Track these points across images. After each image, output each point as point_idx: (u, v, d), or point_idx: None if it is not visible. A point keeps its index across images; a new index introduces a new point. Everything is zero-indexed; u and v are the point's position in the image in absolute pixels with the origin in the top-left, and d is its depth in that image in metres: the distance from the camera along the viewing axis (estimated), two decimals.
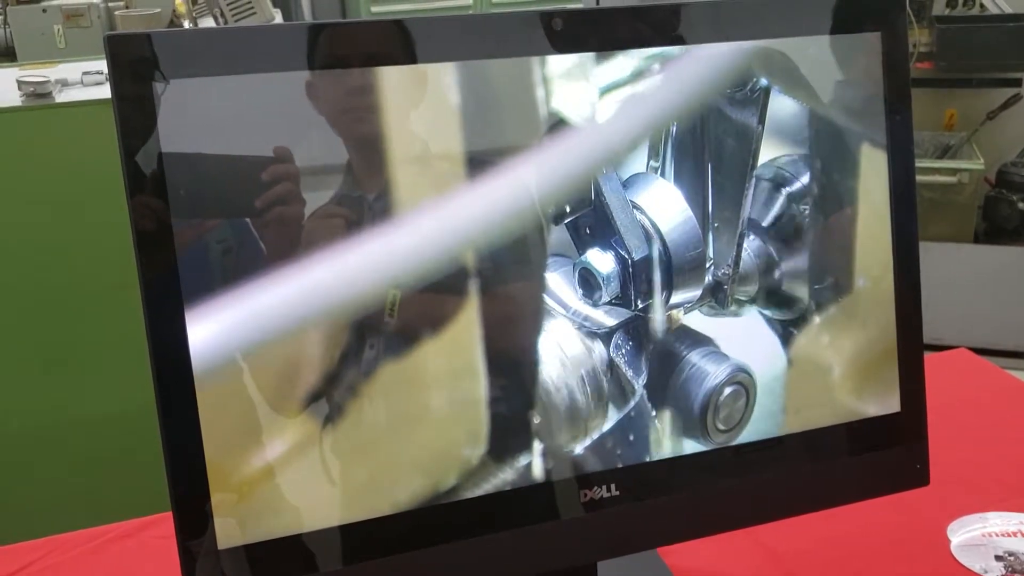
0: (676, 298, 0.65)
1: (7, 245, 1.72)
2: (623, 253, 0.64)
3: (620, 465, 0.65)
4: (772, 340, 0.69)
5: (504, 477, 0.62)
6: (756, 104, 0.65)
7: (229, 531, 0.57)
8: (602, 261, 0.64)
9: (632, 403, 0.65)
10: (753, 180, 0.66)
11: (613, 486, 0.64)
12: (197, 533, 0.56)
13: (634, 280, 0.64)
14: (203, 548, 0.56)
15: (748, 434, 0.68)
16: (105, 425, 1.80)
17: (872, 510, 0.74)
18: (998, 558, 0.79)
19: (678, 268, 0.65)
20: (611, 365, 0.65)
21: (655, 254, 0.64)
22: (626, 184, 0.64)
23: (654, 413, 0.66)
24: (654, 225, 0.64)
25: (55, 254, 1.75)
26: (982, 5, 2.73)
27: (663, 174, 0.65)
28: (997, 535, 0.82)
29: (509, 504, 0.63)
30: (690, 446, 0.67)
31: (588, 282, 0.64)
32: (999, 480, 0.90)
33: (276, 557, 0.58)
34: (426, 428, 0.61)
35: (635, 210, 0.64)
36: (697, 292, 0.66)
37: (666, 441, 0.66)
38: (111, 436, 1.80)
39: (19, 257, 1.74)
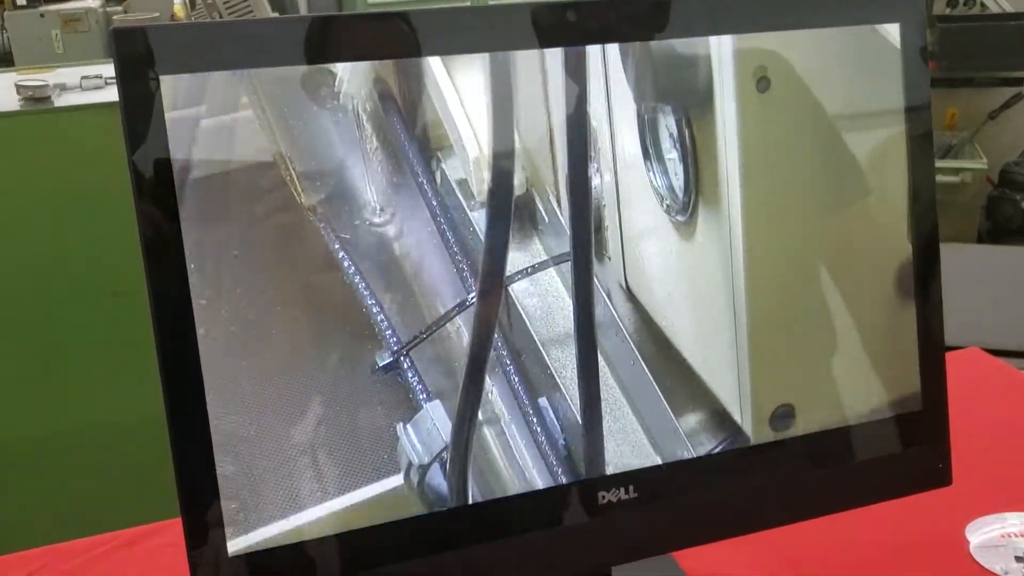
0: None
1: (5, 250, 1.71)
2: None
3: (639, 466, 0.64)
4: None
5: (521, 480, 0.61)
6: None
7: (239, 538, 0.56)
8: None
9: None
10: None
11: (631, 487, 0.63)
12: (206, 541, 0.55)
13: None
14: (212, 556, 0.55)
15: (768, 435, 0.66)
16: (104, 432, 1.78)
17: (888, 512, 0.72)
18: (1018, 559, 0.78)
19: None
20: None
21: None
22: None
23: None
24: None
25: (54, 259, 1.73)
26: (983, 4, 2.73)
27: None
28: (1016, 535, 0.80)
29: (526, 507, 0.61)
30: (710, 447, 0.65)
31: None
32: (1017, 480, 0.88)
33: (286, 565, 0.57)
34: None
35: None
36: None
37: (687, 442, 0.65)
38: (110, 443, 1.78)
39: (17, 262, 1.72)
